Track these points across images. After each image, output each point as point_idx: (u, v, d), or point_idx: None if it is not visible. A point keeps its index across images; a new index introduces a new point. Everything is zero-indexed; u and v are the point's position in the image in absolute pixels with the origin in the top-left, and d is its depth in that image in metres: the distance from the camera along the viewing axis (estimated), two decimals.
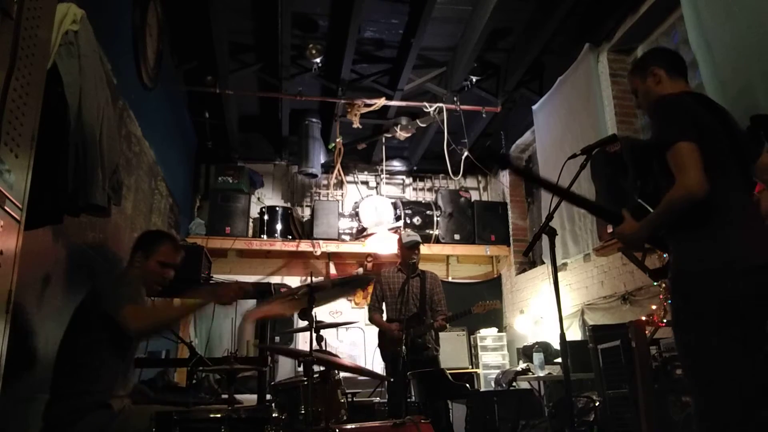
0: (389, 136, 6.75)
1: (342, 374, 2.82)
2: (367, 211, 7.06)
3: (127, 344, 2.42)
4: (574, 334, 5.14)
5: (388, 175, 7.72)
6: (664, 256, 2.24)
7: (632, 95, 2.32)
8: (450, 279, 7.45)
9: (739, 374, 1.70)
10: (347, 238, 7.14)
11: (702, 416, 1.78)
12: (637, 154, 2.51)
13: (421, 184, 8.04)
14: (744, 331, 1.71)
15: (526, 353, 5.17)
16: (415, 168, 7.90)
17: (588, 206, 2.27)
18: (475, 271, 7.78)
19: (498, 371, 5.91)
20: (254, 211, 7.16)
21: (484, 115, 6.28)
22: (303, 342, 6.37)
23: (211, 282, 3.83)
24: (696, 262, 1.83)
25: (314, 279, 2.56)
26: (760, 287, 1.71)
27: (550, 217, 2.24)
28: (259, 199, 7.48)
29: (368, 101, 5.97)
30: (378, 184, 7.84)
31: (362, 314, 4.69)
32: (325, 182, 7.62)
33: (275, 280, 6.91)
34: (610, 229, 4.05)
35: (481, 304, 4.46)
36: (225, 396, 2.43)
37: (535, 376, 4.69)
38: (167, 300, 2.72)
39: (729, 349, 1.71)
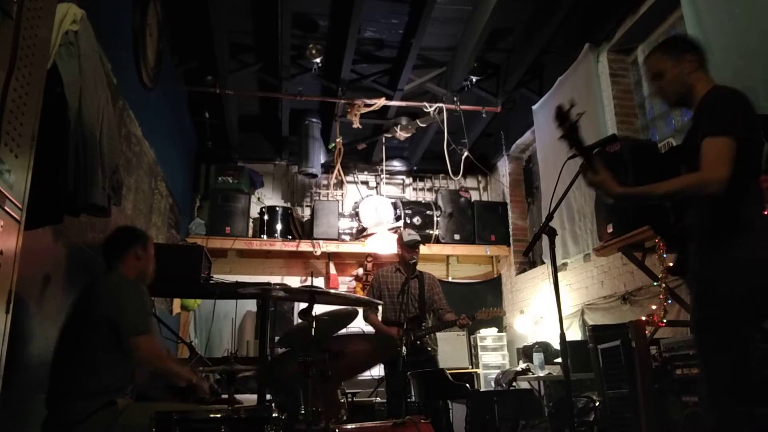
0: (389, 136, 6.74)
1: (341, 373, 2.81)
2: (367, 211, 7.05)
3: None
4: (574, 334, 5.14)
5: (388, 175, 7.71)
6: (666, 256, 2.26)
7: (651, 78, 2.20)
8: (450, 279, 7.45)
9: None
10: (347, 238, 7.14)
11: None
12: (638, 154, 2.51)
13: (421, 184, 8.04)
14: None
15: (526, 353, 5.17)
16: (415, 168, 7.90)
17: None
18: (475, 271, 7.78)
19: (498, 371, 5.91)
20: (254, 211, 7.16)
21: (484, 115, 6.28)
22: None
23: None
24: (731, 275, 1.88)
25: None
26: None
27: (550, 217, 2.24)
28: (259, 199, 7.47)
29: (368, 101, 5.97)
30: (378, 184, 7.84)
31: (362, 314, 4.67)
32: (325, 182, 7.62)
33: (275, 280, 6.90)
34: (610, 229, 4.04)
35: (485, 310, 4.41)
36: (225, 396, 2.44)
37: (535, 376, 4.69)
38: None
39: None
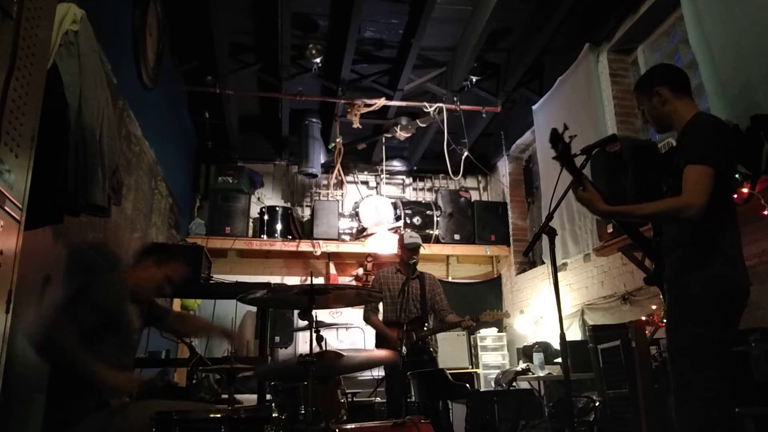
0: (389, 136, 6.74)
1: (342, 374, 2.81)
2: (367, 211, 7.05)
3: (124, 342, 2.41)
4: (574, 334, 5.14)
5: (388, 175, 7.71)
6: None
7: (640, 113, 2.39)
8: (450, 279, 7.45)
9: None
10: (347, 238, 7.13)
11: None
12: (638, 154, 2.69)
13: (421, 184, 8.04)
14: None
15: (526, 353, 5.17)
16: (415, 168, 7.90)
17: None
18: (475, 271, 7.78)
19: (498, 371, 5.91)
20: (254, 211, 7.16)
21: (484, 115, 6.28)
22: (303, 342, 6.37)
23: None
24: (705, 286, 2.04)
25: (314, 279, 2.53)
26: (743, 306, 2.07)
27: (550, 217, 2.24)
28: (259, 199, 7.47)
29: (368, 101, 5.97)
30: (378, 184, 7.84)
31: (362, 314, 4.68)
32: (325, 182, 7.62)
33: (275, 280, 6.90)
34: (610, 229, 4.04)
35: (489, 312, 4.41)
36: (225, 396, 2.43)
37: (535, 376, 4.69)
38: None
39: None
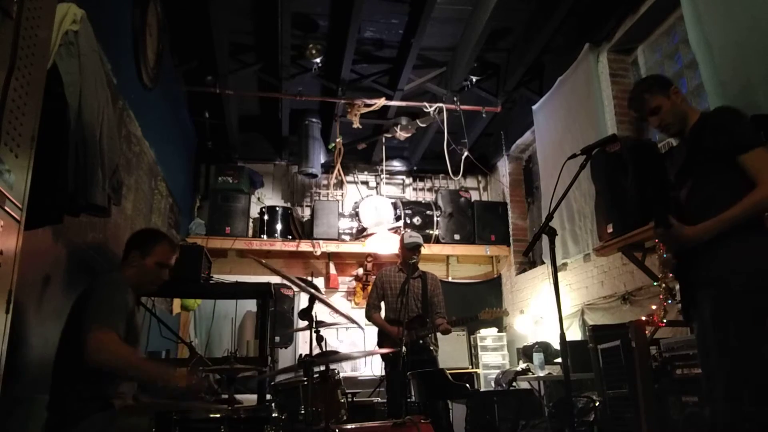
0: (389, 136, 6.75)
1: (342, 374, 2.82)
2: (367, 211, 7.06)
3: (135, 343, 2.40)
4: (574, 334, 5.14)
5: (388, 175, 7.72)
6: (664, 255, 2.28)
7: (649, 114, 2.35)
8: (450, 279, 7.45)
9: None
10: (347, 238, 7.14)
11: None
12: (638, 154, 2.66)
13: (421, 184, 8.04)
14: None
15: (526, 353, 5.17)
16: (415, 168, 7.90)
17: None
18: (475, 271, 7.78)
19: (498, 371, 5.91)
20: (254, 211, 7.16)
21: (484, 115, 6.28)
22: (303, 342, 6.37)
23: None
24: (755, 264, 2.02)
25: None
26: None
27: (550, 217, 2.24)
28: (259, 199, 7.48)
29: (368, 101, 5.97)
30: (378, 184, 7.84)
31: (362, 314, 4.69)
32: (325, 182, 7.62)
33: (275, 280, 6.91)
34: (610, 229, 4.04)
35: (488, 310, 4.44)
36: (225, 396, 2.43)
37: (535, 376, 4.69)
38: (137, 353, 2.48)
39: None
